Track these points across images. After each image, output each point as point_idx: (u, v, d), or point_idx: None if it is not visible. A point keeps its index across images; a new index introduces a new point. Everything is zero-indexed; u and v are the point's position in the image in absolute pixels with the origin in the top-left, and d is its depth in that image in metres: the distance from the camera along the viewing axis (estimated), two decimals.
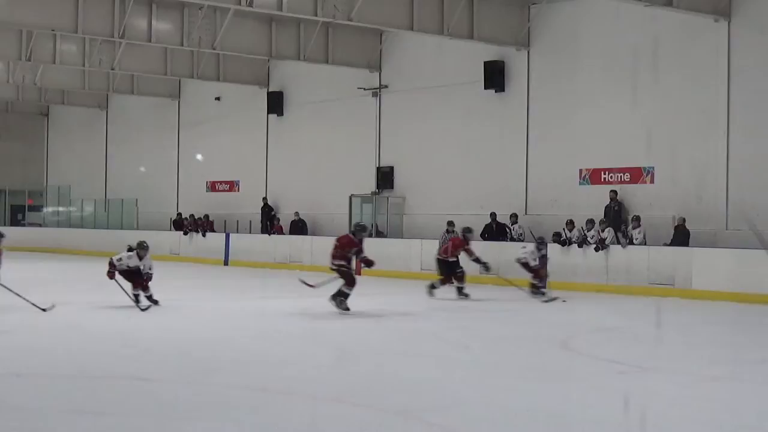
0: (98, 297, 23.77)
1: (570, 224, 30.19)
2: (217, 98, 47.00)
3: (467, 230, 25.49)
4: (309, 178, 41.60)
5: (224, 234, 42.78)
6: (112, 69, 41.90)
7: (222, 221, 44.51)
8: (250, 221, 42.87)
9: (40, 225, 58.60)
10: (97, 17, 33.07)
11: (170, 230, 46.00)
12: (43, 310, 19.94)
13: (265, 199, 43.04)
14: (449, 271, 24.49)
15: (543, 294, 24.69)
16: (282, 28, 37.23)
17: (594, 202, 31.31)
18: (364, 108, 39.45)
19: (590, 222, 29.50)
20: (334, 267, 22.04)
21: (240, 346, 17.35)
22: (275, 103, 43.16)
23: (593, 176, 32.19)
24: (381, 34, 38.50)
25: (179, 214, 47.70)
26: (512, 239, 32.08)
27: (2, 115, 58.15)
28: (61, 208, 58.58)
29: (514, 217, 32.73)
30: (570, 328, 20.64)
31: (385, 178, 38.92)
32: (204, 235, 43.17)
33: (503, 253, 29.98)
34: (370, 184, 39.26)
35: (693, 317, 22.27)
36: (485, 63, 34.67)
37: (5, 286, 20.49)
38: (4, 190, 60.29)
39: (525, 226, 32.35)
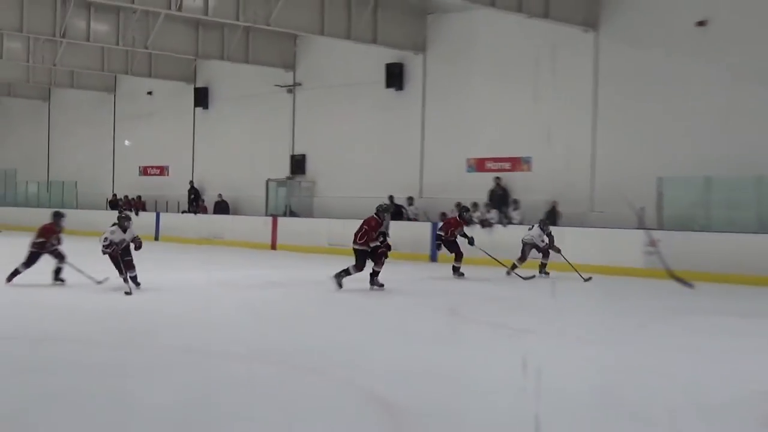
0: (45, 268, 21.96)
1: (474, 206, 29.78)
2: (149, 93, 46.04)
3: (465, 209, 24.08)
4: (231, 164, 41.17)
5: (155, 213, 41.39)
6: (54, 65, 40.90)
7: (153, 202, 43.27)
8: (178, 202, 42.22)
9: None
10: (41, 18, 32.55)
11: (106, 209, 44.11)
12: (99, 282, 18.48)
13: (191, 182, 42.51)
14: (454, 249, 22.90)
15: (547, 274, 23.17)
16: (207, 30, 36.69)
17: (480, 187, 31.25)
18: (280, 103, 39.22)
19: (474, 205, 29.82)
20: (356, 247, 19.90)
21: (172, 312, 16.84)
22: (201, 98, 42.62)
23: (478, 165, 32.45)
24: (295, 38, 38.17)
25: (114, 195, 46.75)
26: (408, 219, 32.14)
27: None
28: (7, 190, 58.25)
29: (410, 200, 33.17)
30: (461, 298, 20.13)
31: (298, 164, 38.75)
32: (137, 214, 39.68)
33: (400, 230, 29.86)
34: (284, 170, 38.97)
35: (569, 287, 21.66)
36: (387, 65, 34.73)
37: (70, 264, 19.11)
38: None
39: (420, 208, 32.82)
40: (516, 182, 31.57)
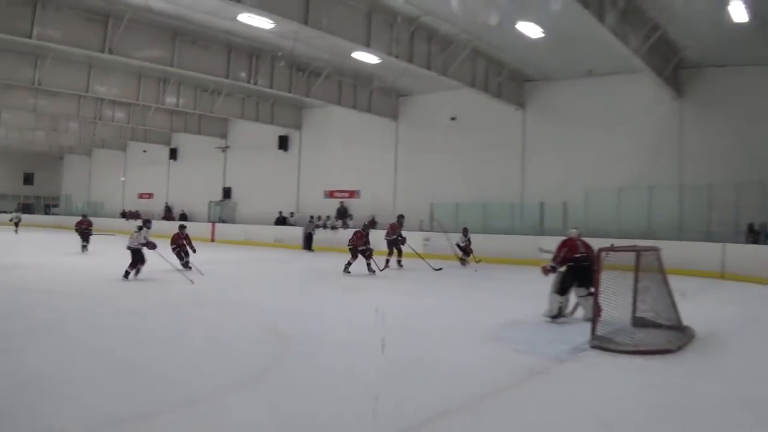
0: None
1: (319, 218, 34.03)
2: (144, 151, 50.13)
3: (400, 216, 24.44)
4: (189, 193, 45.06)
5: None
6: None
7: (145, 213, 42.96)
8: (160, 214, 45.37)
9: None
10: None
11: (119, 218, 47.76)
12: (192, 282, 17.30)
13: (166, 203, 46.51)
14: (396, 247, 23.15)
15: (464, 264, 24.35)
16: (177, 116, 40.14)
17: (331, 207, 35.32)
18: (218, 157, 43.20)
19: (328, 217, 33.89)
20: (349, 247, 21.56)
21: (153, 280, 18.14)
22: (173, 154, 47.09)
23: (330, 194, 36.46)
24: (227, 120, 41.79)
25: (124, 210, 50.14)
26: (291, 225, 35.69)
27: None
28: None
29: (291, 214, 36.78)
30: (325, 272, 21.60)
31: (226, 192, 42.54)
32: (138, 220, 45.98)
33: (286, 233, 34.65)
34: (218, 195, 42.89)
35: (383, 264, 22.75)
36: (279, 136, 38.77)
37: (162, 256, 18.56)
38: None
39: (297, 218, 36.29)
40: (352, 204, 35.09)
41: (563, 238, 12.88)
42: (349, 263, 20.97)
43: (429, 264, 22.24)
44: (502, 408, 7.18)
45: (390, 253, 23.07)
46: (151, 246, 18.32)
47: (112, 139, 48.77)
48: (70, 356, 9.18)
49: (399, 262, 23.19)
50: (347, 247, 21.55)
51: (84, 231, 28.28)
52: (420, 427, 6.54)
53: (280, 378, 7.94)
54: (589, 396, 7.74)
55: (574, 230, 13.08)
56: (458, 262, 24.35)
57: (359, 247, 21.16)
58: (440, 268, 21.95)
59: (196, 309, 13.43)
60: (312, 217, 33.97)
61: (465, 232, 24.95)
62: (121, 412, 6.81)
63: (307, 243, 31.79)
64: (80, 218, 29.43)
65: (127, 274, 17.88)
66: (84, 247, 27.61)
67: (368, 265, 20.96)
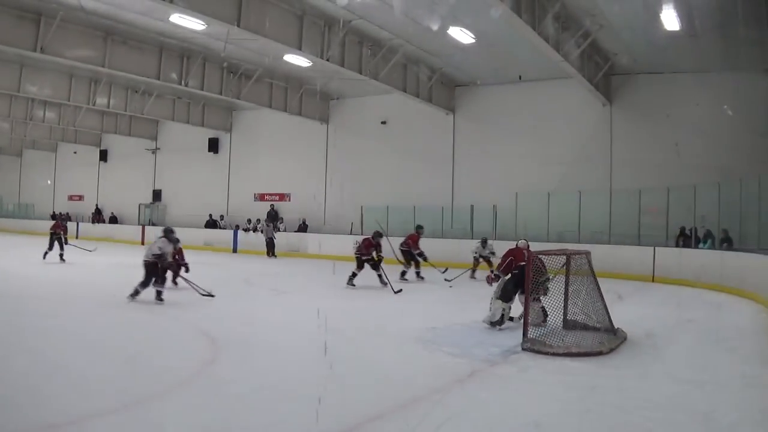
0: None
1: (250, 221, 34.18)
2: (75, 152, 48.84)
3: (419, 227, 22.41)
4: (119, 195, 44.19)
5: (76, 223, 44.16)
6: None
7: (75, 215, 46.03)
8: (89, 216, 45.28)
9: None
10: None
11: (50, 219, 43.38)
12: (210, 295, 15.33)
13: (96, 205, 45.63)
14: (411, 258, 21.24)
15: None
16: (109, 117, 39.61)
17: (262, 210, 35.21)
18: (148, 159, 42.42)
19: (258, 220, 33.68)
20: (356, 255, 19.50)
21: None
22: (103, 156, 46.06)
23: (261, 197, 36.33)
24: (158, 122, 41.25)
25: (54, 212, 48.06)
26: (221, 228, 35.82)
27: None
28: None
29: (221, 217, 36.70)
30: (250, 274, 22.07)
31: (156, 195, 41.76)
32: (68, 221, 45.96)
33: (216, 236, 34.86)
34: (149, 198, 42.18)
35: (316, 267, 24.35)
36: (209, 138, 38.34)
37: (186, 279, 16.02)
38: None
39: (227, 222, 36.46)
40: (282, 207, 35.01)
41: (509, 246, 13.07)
42: (354, 274, 19.12)
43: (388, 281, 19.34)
44: (435, 411, 7.19)
45: (407, 264, 21.27)
46: (171, 263, 15.57)
47: (42, 140, 47.65)
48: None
49: (418, 273, 21.40)
50: (353, 255, 19.50)
51: (59, 236, 24.84)
52: (354, 429, 6.61)
53: (211, 382, 7.98)
54: (520, 398, 7.83)
55: (522, 241, 13.31)
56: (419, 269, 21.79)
57: (364, 256, 19.29)
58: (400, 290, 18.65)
59: (128, 312, 13.35)
60: (270, 221, 33.30)
61: (485, 242, 22.34)
62: (52, 417, 6.70)
63: (270, 248, 30.58)
64: (56, 221, 26.48)
65: (136, 293, 14.49)
66: (61, 256, 24.55)
67: (380, 276, 18.91)
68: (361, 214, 29.99)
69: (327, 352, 9.32)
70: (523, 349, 10.19)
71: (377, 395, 7.68)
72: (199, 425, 6.64)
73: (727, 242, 20.09)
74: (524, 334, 10.49)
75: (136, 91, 33.60)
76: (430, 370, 9.08)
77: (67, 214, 46.16)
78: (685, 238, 22.08)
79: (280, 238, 31.24)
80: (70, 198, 49.56)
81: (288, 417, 6.79)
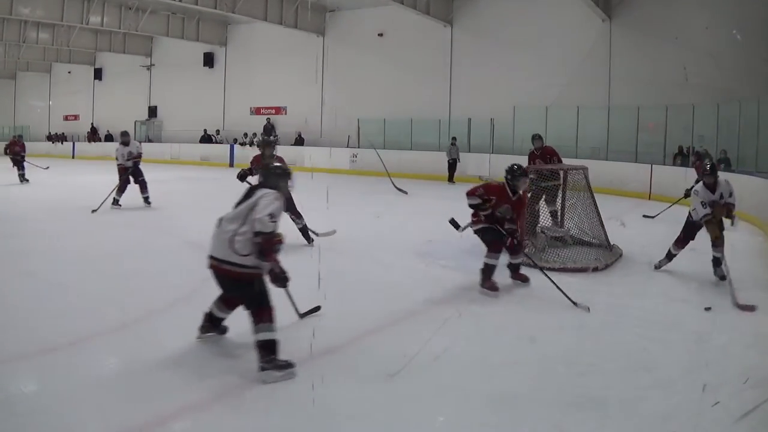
0: None
1: (245, 136, 34.64)
2: (69, 72, 48.69)
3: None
4: (115, 113, 43.86)
5: (71, 143, 45.69)
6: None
7: (71, 136, 47.01)
8: (85, 135, 45.68)
9: None
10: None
11: (45, 142, 47.44)
12: None
13: (92, 124, 45.63)
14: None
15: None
16: (103, 35, 39.41)
17: (258, 123, 35.36)
18: (143, 78, 42.42)
19: (254, 134, 34.10)
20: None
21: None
22: (98, 74, 45.98)
23: (257, 111, 36.52)
24: (152, 38, 40.94)
25: (50, 132, 49.40)
26: (217, 142, 36.23)
27: None
28: None
29: (217, 132, 37.14)
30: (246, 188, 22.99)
31: (152, 111, 41.93)
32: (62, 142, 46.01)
33: (212, 150, 35.31)
34: (144, 115, 42.46)
35: (313, 181, 22.43)
36: (204, 53, 38.24)
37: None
38: None
39: (224, 136, 36.99)
40: (278, 121, 35.19)
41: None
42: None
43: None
44: (430, 324, 7.24)
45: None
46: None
47: (36, 61, 47.23)
48: None
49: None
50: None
51: (17, 156, 24.30)
52: (352, 343, 6.82)
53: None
54: (514, 313, 7.97)
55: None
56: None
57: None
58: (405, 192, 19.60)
59: (127, 231, 13.59)
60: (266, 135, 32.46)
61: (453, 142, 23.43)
62: (52, 338, 6.71)
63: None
64: (12, 139, 25.51)
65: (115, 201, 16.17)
66: (21, 176, 23.95)
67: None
68: (358, 128, 30.17)
69: (323, 267, 9.13)
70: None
71: (373, 309, 7.78)
72: (200, 341, 6.75)
73: (724, 163, 19.72)
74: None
75: (130, 8, 33.46)
76: (427, 283, 9.17)
77: (63, 134, 47.10)
78: (683, 158, 21.84)
79: (276, 151, 30.90)
80: (66, 118, 49.36)
81: (284, 332, 6.62)
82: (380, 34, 31.11)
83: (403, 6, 26.58)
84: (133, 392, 5.46)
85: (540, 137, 14.07)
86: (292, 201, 11.43)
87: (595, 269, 10.06)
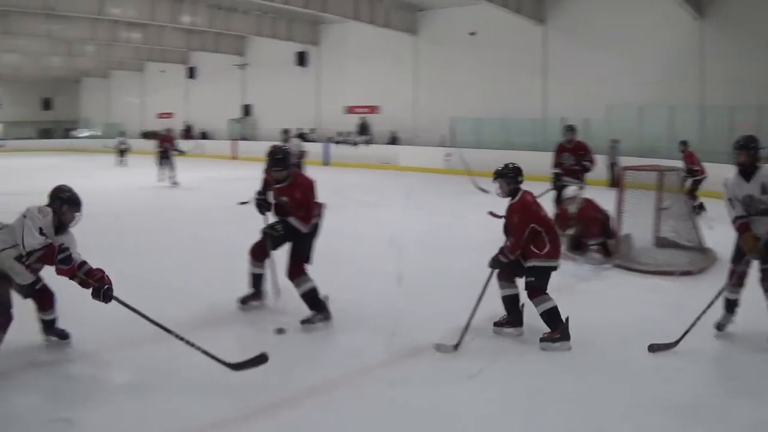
0: None
1: (339, 134, 35.38)
2: (162, 71, 50.09)
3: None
4: (208, 111, 45.68)
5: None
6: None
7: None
8: (180, 134, 42.87)
9: None
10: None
11: (143, 139, 46.67)
12: None
13: (185, 122, 46.97)
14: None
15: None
16: (193, 35, 40.37)
17: (351, 122, 36.21)
18: (236, 76, 43.71)
19: (349, 133, 35.04)
20: None
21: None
22: (191, 73, 47.70)
23: (350, 109, 37.06)
24: (245, 38, 42.23)
25: (147, 131, 50.23)
26: (310, 141, 34.72)
27: None
28: None
29: (312, 130, 37.44)
30: (341, 185, 22.67)
31: (246, 110, 43.26)
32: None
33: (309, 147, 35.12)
34: (238, 113, 43.76)
35: (407, 179, 24.30)
36: (297, 52, 39.06)
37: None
38: None
39: (319, 134, 37.15)
40: (372, 120, 35.72)
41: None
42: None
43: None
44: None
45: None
46: None
47: (129, 60, 49.08)
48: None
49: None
50: None
51: (166, 153, 23.55)
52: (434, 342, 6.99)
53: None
54: (609, 315, 8.11)
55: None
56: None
57: None
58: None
59: (213, 226, 14.38)
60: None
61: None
62: (145, 330, 6.88)
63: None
64: (163, 133, 25.34)
65: None
66: (171, 178, 23.33)
67: None
68: (451, 127, 30.36)
69: (410, 265, 9.61)
70: (615, 266, 10.33)
71: (463, 307, 7.51)
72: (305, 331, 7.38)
73: None
74: (616, 250, 10.76)
75: (221, 8, 34.53)
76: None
77: (157, 132, 47.00)
78: None
79: (370, 150, 32.75)
80: (160, 116, 50.79)
81: (367, 331, 7.36)
82: (472, 33, 31.10)
83: (494, 4, 26.98)
84: (229, 385, 5.98)
85: (573, 129, 13.69)
86: None
87: (689, 273, 10.04)
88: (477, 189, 16.96)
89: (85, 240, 6.94)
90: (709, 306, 6.96)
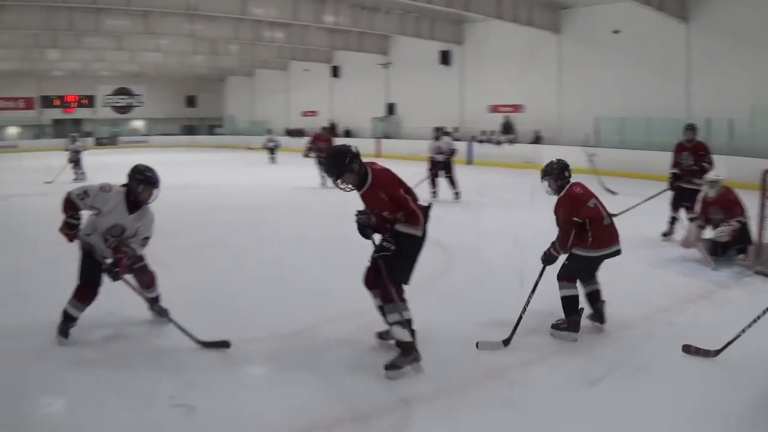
0: None
1: (483, 133, 36.15)
2: (306, 69, 52.32)
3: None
4: (352, 109, 47.53)
5: (307, 137, 46.65)
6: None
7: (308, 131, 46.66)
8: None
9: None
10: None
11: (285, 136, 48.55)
12: None
13: (330, 120, 48.49)
14: None
15: None
16: (338, 34, 41.83)
17: (495, 121, 36.78)
18: (380, 74, 45.12)
19: (492, 132, 35.79)
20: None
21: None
22: (335, 72, 49.64)
23: (494, 108, 37.69)
24: (388, 38, 43.32)
25: (290, 129, 53.32)
26: (455, 139, 32.39)
27: None
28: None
29: (455, 129, 37.54)
30: (483, 185, 23.87)
31: (390, 108, 44.64)
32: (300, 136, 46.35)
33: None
34: (381, 112, 45.16)
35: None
36: (440, 51, 39.99)
37: None
38: None
39: (463, 133, 37.78)
40: (516, 119, 36.25)
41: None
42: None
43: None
44: (660, 330, 7.74)
45: None
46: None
47: (272, 59, 51.47)
48: (237, 271, 10.68)
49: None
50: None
51: (321, 154, 22.74)
52: (558, 346, 7.38)
53: (450, 290, 9.13)
54: (745, 324, 7.44)
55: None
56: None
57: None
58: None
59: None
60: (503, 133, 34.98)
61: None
62: (282, 328, 7.75)
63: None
64: (317, 133, 25.25)
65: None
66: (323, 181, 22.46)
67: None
68: (595, 126, 30.80)
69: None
70: (755, 272, 10.12)
71: (609, 312, 7.84)
72: (442, 328, 7.69)
73: None
74: (756, 257, 10.56)
75: (364, 8, 35.80)
76: (662, 290, 9.48)
77: (301, 129, 50.27)
78: None
79: (514, 149, 33.49)
80: (304, 114, 53.41)
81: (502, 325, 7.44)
82: (616, 31, 31.33)
83: (637, 2, 27.42)
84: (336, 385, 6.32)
85: (693, 128, 13.43)
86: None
87: None
88: (604, 190, 17.60)
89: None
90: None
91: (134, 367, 6.64)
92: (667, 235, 13.24)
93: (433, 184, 19.33)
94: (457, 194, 19.34)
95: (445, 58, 40.49)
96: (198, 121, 64.96)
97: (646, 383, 6.31)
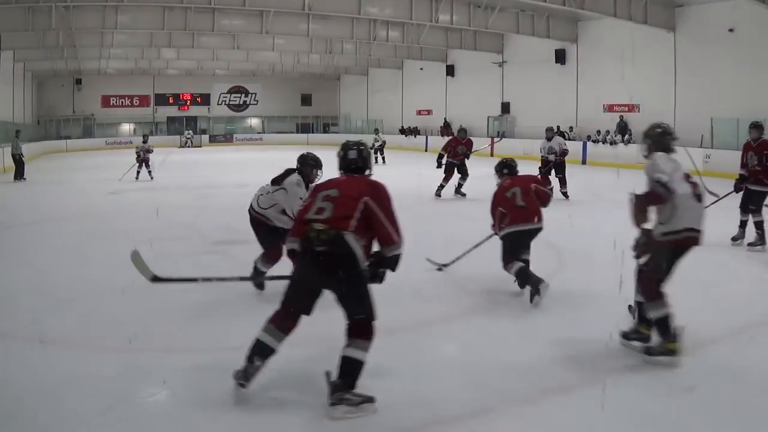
0: None
1: (598, 133, 37.22)
2: (421, 68, 54.45)
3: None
4: (466, 108, 48.69)
5: (425, 137, 50.99)
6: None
7: (424, 130, 52.67)
8: (438, 131, 50.25)
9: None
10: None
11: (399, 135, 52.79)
12: None
13: (445, 119, 50.88)
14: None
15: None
16: (453, 32, 42.95)
17: (611, 121, 37.70)
18: (494, 74, 46.77)
19: (607, 132, 36.83)
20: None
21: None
22: (450, 71, 51.86)
23: (609, 108, 38.60)
24: (503, 36, 44.89)
25: (402, 126, 55.62)
26: (568, 139, 35.32)
27: None
28: None
29: (570, 128, 39.55)
30: (598, 186, 24.47)
31: (505, 107, 46.09)
32: (415, 136, 51.60)
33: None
34: (497, 111, 46.59)
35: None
36: (555, 50, 41.09)
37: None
38: None
39: (576, 133, 39.25)
40: (631, 118, 36.69)
41: None
42: (442, 186, 21.15)
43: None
44: (747, 337, 7.67)
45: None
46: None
47: (387, 58, 53.57)
48: None
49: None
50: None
51: (461, 159, 21.81)
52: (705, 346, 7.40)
53: (561, 289, 9.32)
54: None
55: None
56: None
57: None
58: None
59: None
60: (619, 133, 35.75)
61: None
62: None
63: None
64: (455, 138, 22.83)
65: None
66: (458, 188, 21.87)
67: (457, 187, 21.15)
68: (711, 126, 31.39)
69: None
70: None
71: (712, 315, 8.30)
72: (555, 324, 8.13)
73: None
74: None
75: (479, 6, 36.97)
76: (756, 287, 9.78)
77: (416, 128, 52.79)
78: None
79: (628, 149, 33.88)
80: (419, 113, 55.31)
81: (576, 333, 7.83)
82: (731, 30, 31.62)
83: (751, 0, 28.03)
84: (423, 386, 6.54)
85: (757, 126, 13.14)
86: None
87: None
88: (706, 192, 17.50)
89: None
90: None
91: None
92: (736, 239, 12.95)
93: (548, 181, 18.01)
94: (566, 194, 20.00)
95: (560, 56, 41.66)
96: (313, 119, 68.02)
97: (735, 390, 6.40)
